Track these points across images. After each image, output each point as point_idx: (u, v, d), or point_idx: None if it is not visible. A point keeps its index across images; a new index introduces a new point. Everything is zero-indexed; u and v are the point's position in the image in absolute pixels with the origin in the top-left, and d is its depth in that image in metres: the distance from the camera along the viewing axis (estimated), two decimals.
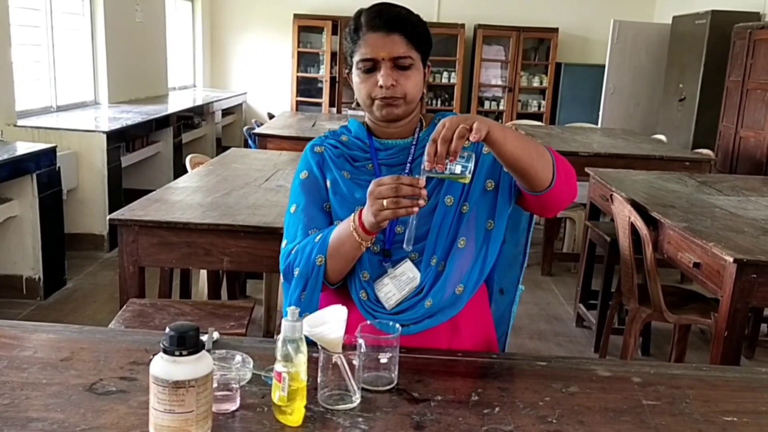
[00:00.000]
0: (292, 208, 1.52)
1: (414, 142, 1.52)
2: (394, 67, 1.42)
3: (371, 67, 1.43)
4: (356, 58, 1.45)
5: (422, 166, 1.26)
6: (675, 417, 1.19)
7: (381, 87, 1.42)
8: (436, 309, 1.45)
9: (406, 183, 1.25)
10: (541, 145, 1.41)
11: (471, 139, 1.22)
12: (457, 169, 1.25)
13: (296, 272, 1.43)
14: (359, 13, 1.47)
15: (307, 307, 1.41)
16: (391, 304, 1.45)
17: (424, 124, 1.56)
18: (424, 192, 1.26)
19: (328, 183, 1.51)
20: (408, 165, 1.50)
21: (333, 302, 1.47)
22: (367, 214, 1.31)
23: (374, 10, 1.46)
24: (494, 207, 1.48)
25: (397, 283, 1.45)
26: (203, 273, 3.25)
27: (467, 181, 1.29)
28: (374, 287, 1.45)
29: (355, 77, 1.47)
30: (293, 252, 1.45)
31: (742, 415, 1.20)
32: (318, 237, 1.43)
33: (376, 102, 1.44)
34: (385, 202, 1.26)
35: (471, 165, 1.26)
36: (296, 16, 8.60)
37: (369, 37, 1.43)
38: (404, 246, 1.33)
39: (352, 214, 1.37)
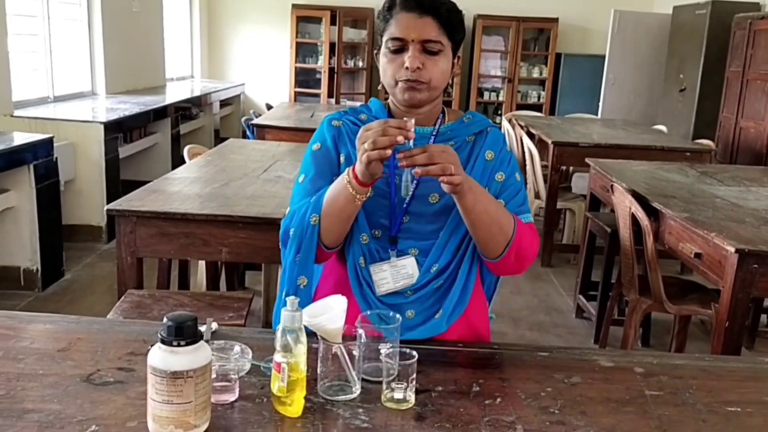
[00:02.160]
0: (301, 178, 1.50)
1: (434, 133, 1.49)
2: (423, 50, 1.39)
3: (400, 47, 1.40)
4: (386, 37, 1.42)
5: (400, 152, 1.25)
6: (678, 407, 1.18)
7: (407, 69, 1.38)
8: (416, 324, 1.44)
9: (393, 125, 1.26)
10: (509, 225, 1.39)
11: (444, 188, 1.25)
12: (409, 178, 1.29)
13: (291, 232, 1.42)
14: None
15: (302, 270, 1.41)
16: (381, 291, 1.44)
17: (446, 116, 1.53)
18: (412, 133, 1.25)
19: (342, 158, 1.48)
20: None
21: (334, 282, 1.48)
22: (359, 164, 1.31)
23: None
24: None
25: (395, 273, 1.43)
26: (201, 264, 3.24)
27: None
28: (371, 269, 1.44)
29: (382, 57, 1.44)
30: (290, 215, 1.45)
31: (745, 406, 1.20)
32: (312, 199, 1.42)
33: (400, 84, 1.41)
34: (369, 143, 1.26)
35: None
36: (294, 6, 8.55)
37: (401, 17, 1.40)
38: (402, 193, 1.33)
39: (347, 169, 1.36)
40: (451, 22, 1.41)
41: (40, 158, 3.77)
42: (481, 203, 1.34)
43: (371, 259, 1.45)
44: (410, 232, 1.45)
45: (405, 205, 1.45)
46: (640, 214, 2.76)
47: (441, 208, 1.44)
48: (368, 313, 1.29)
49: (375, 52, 1.51)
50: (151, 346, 1.03)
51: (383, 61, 1.43)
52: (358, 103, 1.52)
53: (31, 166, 3.70)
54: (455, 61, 1.46)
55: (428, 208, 1.45)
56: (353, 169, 1.33)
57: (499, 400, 1.16)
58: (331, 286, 1.49)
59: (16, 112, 4.58)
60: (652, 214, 2.80)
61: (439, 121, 1.51)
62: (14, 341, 1.29)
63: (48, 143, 3.86)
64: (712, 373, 1.32)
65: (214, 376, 1.07)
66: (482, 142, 1.50)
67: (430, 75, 1.39)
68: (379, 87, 1.50)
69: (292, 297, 1.09)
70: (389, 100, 1.53)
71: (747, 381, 1.30)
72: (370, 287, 1.44)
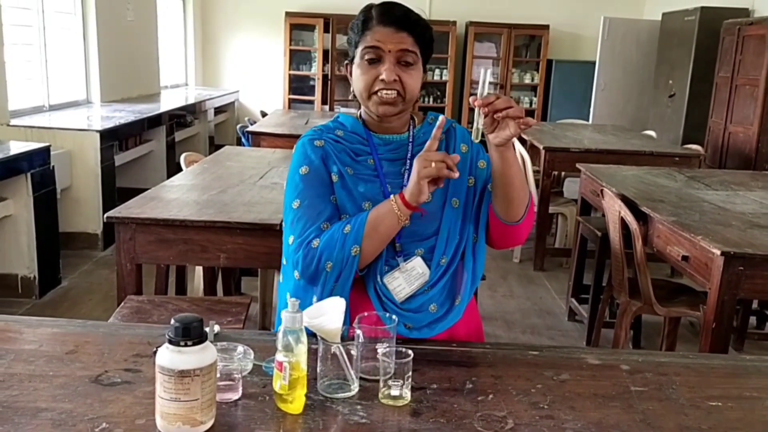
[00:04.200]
0: (295, 204, 1.49)
1: (410, 139, 1.56)
2: (398, 63, 1.45)
3: (375, 58, 1.45)
4: (360, 47, 1.47)
5: (477, 95, 1.33)
6: (662, 402, 1.23)
7: (382, 80, 1.44)
8: (438, 316, 1.50)
9: (450, 163, 1.35)
10: (527, 186, 1.50)
11: (521, 125, 1.31)
12: (481, 122, 1.34)
13: (329, 266, 1.42)
14: (369, 6, 1.50)
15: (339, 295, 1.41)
16: (400, 297, 1.49)
17: (416, 121, 1.60)
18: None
19: (335, 177, 1.50)
20: (408, 161, 1.54)
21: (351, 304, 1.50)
22: (413, 187, 1.37)
23: (386, 5, 1.49)
24: (478, 222, 1.56)
25: (408, 278, 1.49)
26: (198, 270, 3.28)
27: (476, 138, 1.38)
28: (384, 281, 1.49)
29: (356, 69, 1.48)
30: (317, 246, 1.43)
31: (726, 400, 1.25)
32: (346, 228, 1.42)
33: (374, 97, 1.46)
34: (433, 163, 1.34)
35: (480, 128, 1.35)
36: (288, 14, 8.61)
37: (378, 30, 1.46)
38: (473, 137, 1.37)
39: (392, 196, 1.41)
40: (425, 38, 1.49)
41: (37, 167, 3.80)
42: (516, 158, 1.41)
43: (382, 272, 1.50)
44: (411, 235, 1.50)
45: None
46: (630, 218, 2.81)
47: (433, 204, 1.50)
48: (366, 314, 1.34)
49: (346, 63, 1.55)
50: (157, 347, 1.08)
51: (357, 72, 1.48)
52: (351, 106, 1.55)
53: (29, 175, 3.74)
54: (424, 74, 1.53)
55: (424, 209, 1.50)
56: (401, 195, 1.40)
57: (491, 396, 1.22)
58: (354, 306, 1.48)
59: (12, 122, 4.62)
60: (641, 218, 2.86)
61: (412, 126, 1.58)
62: (24, 344, 1.33)
63: (45, 152, 3.90)
64: (695, 370, 1.37)
65: (218, 375, 1.12)
66: (453, 137, 1.58)
67: (405, 86, 1.46)
68: (350, 97, 1.55)
69: (293, 299, 1.14)
70: (361, 112, 1.57)
71: (729, 377, 1.35)
72: (389, 299, 1.49)
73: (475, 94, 1.33)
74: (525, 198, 1.48)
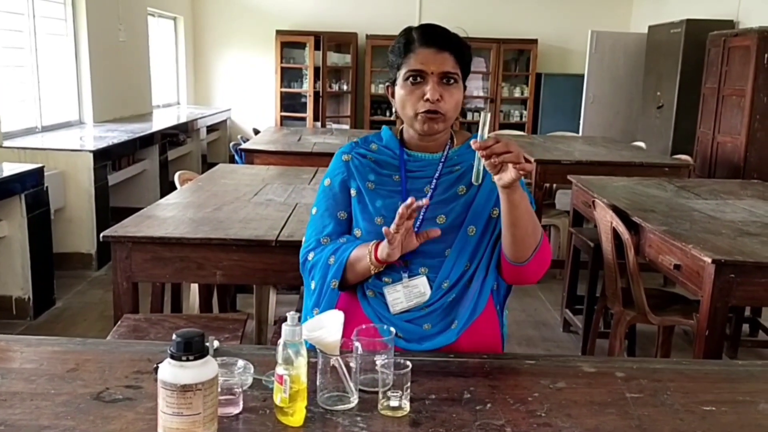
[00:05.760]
0: (314, 211, 1.65)
1: (443, 159, 1.59)
2: (440, 82, 1.49)
3: (419, 79, 1.50)
4: (404, 70, 1.52)
5: (477, 138, 1.35)
6: (657, 408, 1.25)
7: (426, 100, 1.48)
8: (430, 334, 1.52)
9: (403, 210, 1.41)
10: (539, 227, 1.51)
11: (521, 171, 1.33)
12: (481, 165, 1.36)
13: (313, 284, 1.57)
14: (409, 29, 1.56)
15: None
16: (396, 310, 1.52)
17: (455, 141, 1.63)
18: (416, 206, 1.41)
19: (353, 192, 1.59)
20: (434, 180, 1.56)
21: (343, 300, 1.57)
22: (385, 247, 1.44)
23: (427, 27, 1.55)
24: (493, 255, 1.58)
25: (408, 293, 1.52)
26: (194, 287, 3.28)
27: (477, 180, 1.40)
28: (384, 290, 1.53)
29: (399, 90, 1.53)
30: (310, 260, 1.58)
31: (720, 405, 1.27)
32: (331, 259, 1.53)
33: (420, 116, 1.51)
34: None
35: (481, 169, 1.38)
36: (279, 32, 8.67)
37: (420, 52, 1.51)
38: (473, 179, 1.39)
39: (371, 244, 1.48)
40: (465, 57, 1.55)
41: (30, 188, 3.81)
42: (524, 200, 1.43)
43: (378, 283, 1.54)
44: (420, 252, 1.53)
45: (415, 229, 1.52)
46: (621, 229, 2.84)
47: (448, 227, 1.53)
48: (364, 327, 1.35)
49: (387, 85, 1.61)
50: (157, 364, 1.09)
51: (401, 93, 1.53)
52: (342, 123, 1.60)
53: (22, 196, 3.74)
54: (463, 92, 1.57)
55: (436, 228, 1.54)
56: (376, 249, 1.47)
57: (489, 405, 1.23)
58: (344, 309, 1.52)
59: (5, 143, 4.63)
60: (633, 228, 2.89)
61: (447, 146, 1.61)
62: (24, 363, 1.34)
63: (38, 173, 3.90)
64: (688, 376, 1.40)
65: (219, 390, 1.13)
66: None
67: (448, 106, 1.50)
68: (393, 117, 1.60)
69: (293, 312, 1.16)
70: (402, 128, 1.62)
71: (722, 382, 1.38)
72: (385, 306, 1.53)
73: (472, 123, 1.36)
74: (532, 241, 1.48)
